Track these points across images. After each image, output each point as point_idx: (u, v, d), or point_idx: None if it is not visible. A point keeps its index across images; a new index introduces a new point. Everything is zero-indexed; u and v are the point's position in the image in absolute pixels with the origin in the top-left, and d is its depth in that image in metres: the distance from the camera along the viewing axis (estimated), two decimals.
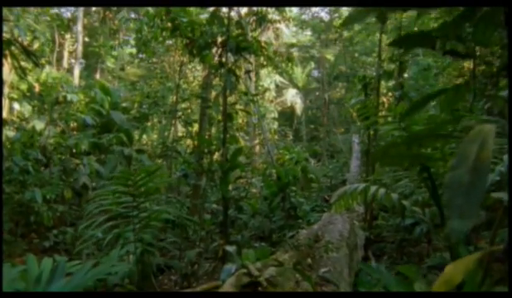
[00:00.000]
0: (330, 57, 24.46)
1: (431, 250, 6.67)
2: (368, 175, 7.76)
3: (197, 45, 5.37)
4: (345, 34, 24.74)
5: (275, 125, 20.42)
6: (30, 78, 7.04)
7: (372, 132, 7.82)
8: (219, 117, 5.26)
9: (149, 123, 10.19)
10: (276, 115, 20.08)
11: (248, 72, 5.59)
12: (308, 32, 26.50)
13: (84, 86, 9.93)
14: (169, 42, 8.55)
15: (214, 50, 5.53)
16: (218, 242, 4.51)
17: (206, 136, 5.61)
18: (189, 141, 7.77)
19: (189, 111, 9.36)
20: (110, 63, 22.23)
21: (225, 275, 2.99)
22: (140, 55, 22.89)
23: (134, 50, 21.46)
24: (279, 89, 23.73)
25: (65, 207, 5.38)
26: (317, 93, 28.14)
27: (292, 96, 22.42)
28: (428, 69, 12.79)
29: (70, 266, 3.08)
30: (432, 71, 12.69)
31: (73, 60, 18.47)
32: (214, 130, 5.65)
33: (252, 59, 6.92)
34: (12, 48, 4.30)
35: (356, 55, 25.27)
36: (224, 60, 5.12)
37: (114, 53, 20.12)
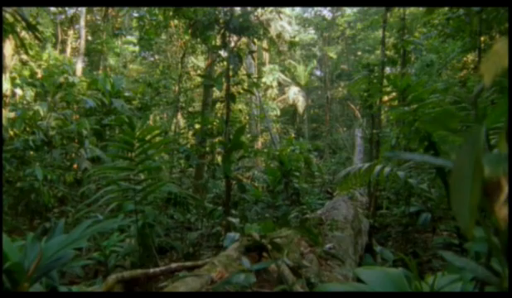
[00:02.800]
0: (332, 55, 24.39)
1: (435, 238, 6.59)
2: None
3: (200, 26, 5.32)
4: (348, 32, 24.70)
5: (278, 124, 20.35)
6: (32, 64, 7.02)
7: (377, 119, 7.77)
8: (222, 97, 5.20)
9: (151, 115, 10.15)
10: (278, 112, 20.01)
11: (251, 52, 5.54)
12: (311, 30, 26.46)
13: (87, 75, 9.88)
14: (171, 30, 8.50)
15: (216, 32, 5.49)
16: (222, 219, 4.44)
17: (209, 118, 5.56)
18: (191, 134, 7.71)
19: (192, 106, 9.32)
20: (113, 60, 22.25)
21: (229, 242, 2.92)
22: (142, 54, 22.92)
23: (137, 49, 21.50)
24: (281, 87, 23.68)
25: (66, 189, 5.32)
26: (319, 92, 28.08)
27: (294, 93, 22.36)
28: (431, 65, 12.70)
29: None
30: (435, 67, 12.61)
31: (75, 59, 18.47)
32: (217, 112, 5.60)
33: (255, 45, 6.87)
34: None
35: (359, 53, 25.21)
36: (227, 39, 5.06)
37: (117, 50, 20.12)
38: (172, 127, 9.61)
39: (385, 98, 5.79)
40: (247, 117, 11.68)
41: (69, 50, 18.61)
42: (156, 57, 19.56)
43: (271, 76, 21.66)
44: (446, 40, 11.67)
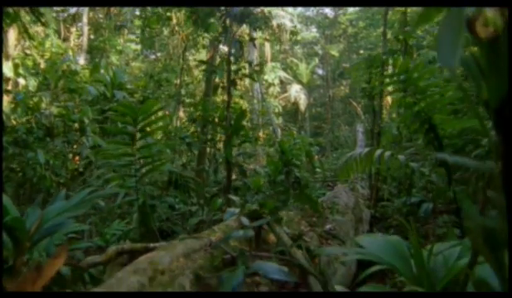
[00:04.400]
0: (334, 53, 24.38)
1: (436, 228, 6.57)
2: None
3: (201, 14, 5.34)
4: (350, 30, 24.70)
5: (279, 120, 20.36)
6: (35, 55, 7.05)
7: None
8: (223, 84, 5.22)
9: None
10: (280, 110, 20.03)
11: (252, 40, 5.55)
12: (313, 29, 26.47)
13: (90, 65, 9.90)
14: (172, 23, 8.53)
15: (217, 19, 5.51)
16: (222, 205, 4.45)
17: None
18: (193, 129, 7.72)
19: (193, 99, 9.33)
20: (115, 58, 22.31)
21: (229, 215, 2.93)
22: (144, 52, 22.96)
23: (139, 47, 21.55)
24: (283, 86, 23.69)
25: (68, 175, 5.35)
26: (321, 91, 28.08)
27: (296, 91, 22.37)
28: (433, 62, 12.69)
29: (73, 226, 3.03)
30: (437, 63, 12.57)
31: (78, 57, 18.52)
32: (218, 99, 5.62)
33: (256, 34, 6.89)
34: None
35: (361, 51, 25.19)
36: (228, 25, 5.08)
37: (119, 48, 20.18)
38: (174, 121, 9.61)
39: (387, 81, 5.80)
40: (248, 109, 11.69)
41: (71, 47, 18.67)
42: (159, 55, 19.62)
43: (273, 74, 21.69)
44: None
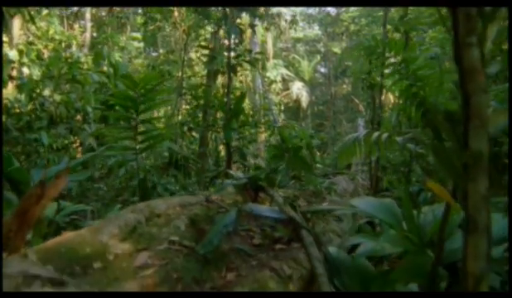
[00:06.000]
0: (337, 50, 24.41)
1: None
2: None
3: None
4: (352, 27, 24.71)
5: (281, 117, 20.41)
6: (39, 45, 7.15)
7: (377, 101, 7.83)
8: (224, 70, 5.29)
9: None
10: (282, 107, 20.09)
11: (252, 26, 5.62)
12: (316, 27, 26.51)
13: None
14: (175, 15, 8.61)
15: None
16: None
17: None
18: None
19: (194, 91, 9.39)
20: (118, 55, 22.43)
21: (227, 184, 2.99)
22: (147, 50, 23.06)
23: (142, 45, 21.64)
24: (285, 83, 23.75)
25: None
26: (324, 89, 28.11)
27: (298, 89, 22.44)
28: (436, 58, 12.66)
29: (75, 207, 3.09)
30: (440, 60, 12.58)
31: (80, 53, 18.65)
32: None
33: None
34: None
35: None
36: (227, 12, 5.15)
37: (121, 45, 20.30)
38: (176, 114, 9.69)
39: (386, 70, 5.86)
40: (250, 106, 11.76)
41: (74, 43, 18.82)
42: (161, 51, 19.72)
43: (275, 71, 21.76)
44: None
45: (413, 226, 1.96)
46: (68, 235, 1.37)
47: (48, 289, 0.95)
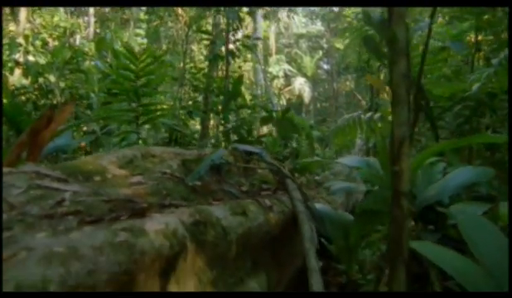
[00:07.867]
0: (339, 46, 24.49)
1: None
2: None
3: None
4: (355, 23, 24.79)
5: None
6: (44, 34, 7.37)
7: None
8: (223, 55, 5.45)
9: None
10: (283, 100, 20.23)
11: (251, 13, 5.77)
12: (318, 23, 26.61)
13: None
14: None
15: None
16: None
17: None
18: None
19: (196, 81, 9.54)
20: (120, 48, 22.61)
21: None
22: (151, 46, 23.25)
23: (145, 41, 21.84)
24: (287, 79, 23.89)
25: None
26: (326, 86, 28.21)
27: (300, 84, 22.57)
28: (437, 54, 12.77)
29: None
30: (443, 55, 12.69)
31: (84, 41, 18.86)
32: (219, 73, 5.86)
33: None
34: None
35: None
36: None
37: (125, 40, 20.52)
38: (177, 104, 9.86)
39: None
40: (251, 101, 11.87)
41: (78, 38, 19.09)
42: (164, 47, 19.91)
43: (277, 66, 21.92)
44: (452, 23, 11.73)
45: (387, 172, 2.12)
46: (71, 161, 1.54)
47: (56, 185, 1.12)
